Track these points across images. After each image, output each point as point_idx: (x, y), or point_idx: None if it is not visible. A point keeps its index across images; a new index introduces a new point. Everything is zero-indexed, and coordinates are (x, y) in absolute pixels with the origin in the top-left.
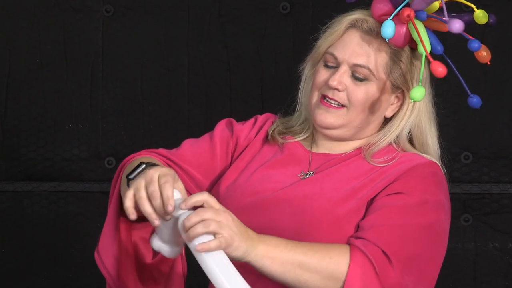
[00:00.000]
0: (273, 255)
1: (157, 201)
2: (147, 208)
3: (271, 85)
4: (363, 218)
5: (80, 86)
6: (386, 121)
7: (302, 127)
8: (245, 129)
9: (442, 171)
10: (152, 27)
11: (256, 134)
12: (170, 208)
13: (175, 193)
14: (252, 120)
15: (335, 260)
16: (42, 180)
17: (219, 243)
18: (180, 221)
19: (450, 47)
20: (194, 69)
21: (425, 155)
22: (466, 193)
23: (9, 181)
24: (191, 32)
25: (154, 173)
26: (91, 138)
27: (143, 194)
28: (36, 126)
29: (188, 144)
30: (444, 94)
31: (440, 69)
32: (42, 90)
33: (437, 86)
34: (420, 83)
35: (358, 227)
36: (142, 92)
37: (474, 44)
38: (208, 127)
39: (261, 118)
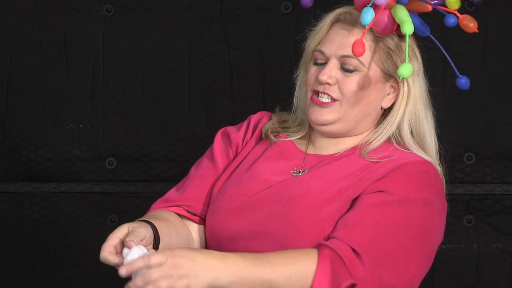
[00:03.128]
0: (240, 279)
1: None
2: None
3: (272, 85)
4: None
5: (80, 86)
6: (384, 116)
7: (298, 128)
8: (241, 134)
9: (437, 169)
10: (153, 27)
11: (252, 134)
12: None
13: (132, 253)
14: (245, 122)
15: (303, 271)
16: (43, 181)
17: None
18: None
19: (452, 48)
20: (196, 69)
21: (422, 154)
22: (469, 194)
23: (9, 181)
24: (192, 32)
25: None
26: (92, 138)
27: None
28: (36, 127)
29: (191, 176)
30: (446, 95)
31: (359, 50)
32: (42, 90)
33: (439, 86)
34: (406, 60)
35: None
36: (143, 92)
37: (450, 19)
38: (209, 127)
39: (254, 118)
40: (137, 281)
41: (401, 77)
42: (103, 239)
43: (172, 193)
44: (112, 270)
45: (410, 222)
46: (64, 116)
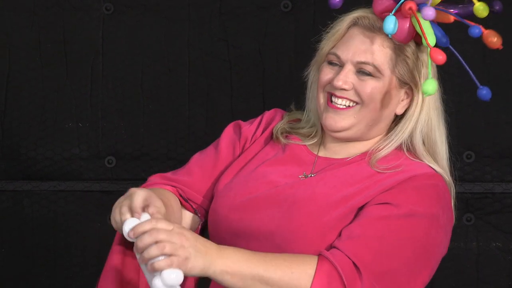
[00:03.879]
0: (232, 270)
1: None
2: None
3: (272, 83)
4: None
5: (80, 85)
6: (396, 122)
7: (311, 130)
8: (252, 128)
9: (446, 180)
10: (152, 26)
11: (263, 132)
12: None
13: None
14: (259, 118)
15: (298, 275)
16: (42, 179)
17: (170, 262)
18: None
19: (452, 47)
20: (195, 68)
21: (432, 164)
22: (469, 193)
23: (8, 180)
24: (191, 31)
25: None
26: (91, 137)
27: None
28: (36, 125)
29: (193, 162)
30: (446, 92)
31: (440, 57)
32: (42, 89)
33: (439, 85)
34: (430, 76)
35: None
36: (142, 91)
37: (475, 30)
38: (208, 126)
39: (267, 114)
40: (145, 238)
41: (426, 94)
42: (102, 237)
43: (169, 173)
44: None
45: (415, 237)
46: (64, 114)
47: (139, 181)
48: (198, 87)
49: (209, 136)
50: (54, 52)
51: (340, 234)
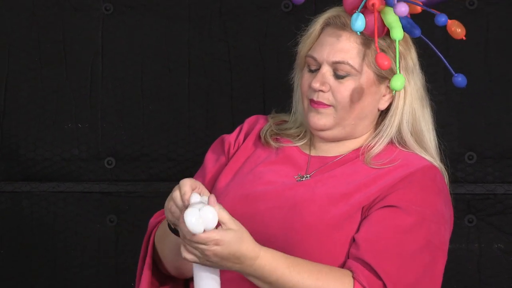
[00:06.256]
0: (270, 280)
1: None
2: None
3: (272, 84)
4: (358, 227)
5: (79, 86)
6: (383, 117)
7: (299, 130)
8: (233, 135)
9: (441, 171)
10: (152, 26)
11: (246, 136)
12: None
13: (194, 196)
14: (240, 125)
15: None
16: (41, 180)
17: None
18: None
19: (454, 47)
20: (195, 68)
21: (424, 154)
22: (470, 194)
23: (8, 181)
24: (192, 31)
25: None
26: (91, 138)
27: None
28: (35, 126)
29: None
30: (447, 93)
31: (385, 63)
32: (41, 89)
33: (441, 86)
34: (398, 71)
35: (353, 239)
36: (142, 91)
37: (441, 18)
38: (209, 126)
39: (248, 120)
40: (200, 237)
41: (394, 91)
42: (102, 238)
43: None
44: (111, 269)
45: (430, 242)
46: (63, 115)
47: (139, 182)
48: (198, 87)
49: (209, 137)
50: (53, 52)
51: (354, 239)
